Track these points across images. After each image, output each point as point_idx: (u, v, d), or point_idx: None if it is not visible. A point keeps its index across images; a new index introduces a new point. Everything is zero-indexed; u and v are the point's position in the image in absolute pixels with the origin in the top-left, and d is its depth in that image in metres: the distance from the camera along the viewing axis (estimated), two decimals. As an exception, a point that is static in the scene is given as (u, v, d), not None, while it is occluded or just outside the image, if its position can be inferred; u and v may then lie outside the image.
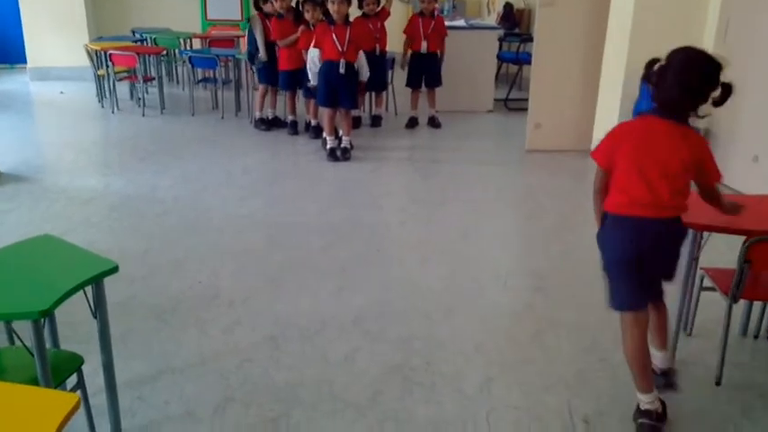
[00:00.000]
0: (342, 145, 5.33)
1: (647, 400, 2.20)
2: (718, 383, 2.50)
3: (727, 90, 2.14)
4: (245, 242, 3.83)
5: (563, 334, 2.88)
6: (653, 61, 2.24)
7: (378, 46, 6.09)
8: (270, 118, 6.33)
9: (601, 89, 5.44)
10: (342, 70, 5.06)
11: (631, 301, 2.23)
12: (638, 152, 2.14)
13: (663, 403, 2.23)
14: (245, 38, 9.12)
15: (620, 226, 2.20)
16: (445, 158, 5.63)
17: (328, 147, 5.34)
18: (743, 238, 2.35)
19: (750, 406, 2.41)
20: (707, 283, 2.66)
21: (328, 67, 5.09)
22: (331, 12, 4.98)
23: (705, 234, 2.48)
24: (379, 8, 6.20)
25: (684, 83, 2.12)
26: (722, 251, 3.01)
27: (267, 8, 5.96)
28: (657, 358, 2.42)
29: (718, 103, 2.14)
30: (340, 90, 5.16)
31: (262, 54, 5.98)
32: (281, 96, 6.30)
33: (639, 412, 2.22)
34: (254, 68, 6.24)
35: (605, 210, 2.24)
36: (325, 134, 5.43)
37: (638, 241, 2.17)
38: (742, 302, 2.73)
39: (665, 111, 2.17)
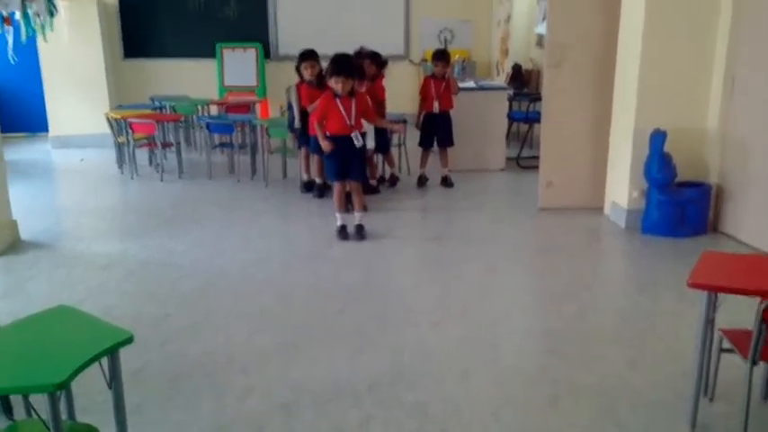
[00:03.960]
0: (356, 222, 5.08)
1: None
2: (741, 449, 2.44)
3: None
4: (260, 306, 3.84)
5: (579, 398, 2.83)
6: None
7: None
8: (310, 181, 6.44)
9: (611, 147, 5.49)
10: (357, 143, 4.93)
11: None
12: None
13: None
14: (263, 104, 9.42)
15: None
16: (458, 218, 5.66)
17: (339, 224, 5.08)
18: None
19: (776, 472, 2.34)
20: (726, 344, 2.63)
21: (338, 143, 4.92)
22: (334, 88, 4.90)
23: (720, 295, 2.45)
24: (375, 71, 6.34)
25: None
26: (741, 310, 2.98)
27: (305, 75, 6.16)
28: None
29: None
30: (350, 162, 5.00)
31: (296, 121, 6.15)
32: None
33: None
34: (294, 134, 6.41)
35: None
36: (336, 212, 5.13)
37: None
38: (764, 364, 2.69)
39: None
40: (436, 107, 6.49)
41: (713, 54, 4.99)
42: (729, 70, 4.90)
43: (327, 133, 4.95)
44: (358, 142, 4.95)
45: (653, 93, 5.00)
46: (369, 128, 5.50)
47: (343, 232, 5.06)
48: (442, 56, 6.49)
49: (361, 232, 5.05)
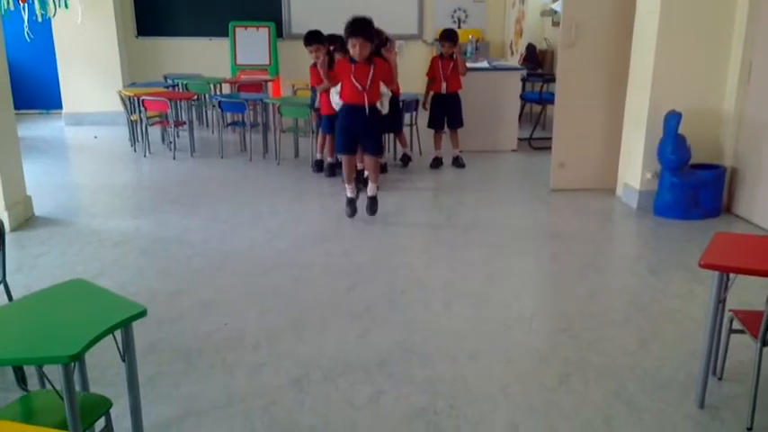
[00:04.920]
0: (369, 194, 4.85)
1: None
2: (749, 429, 2.45)
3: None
4: (271, 283, 3.87)
5: (589, 378, 2.84)
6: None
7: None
8: (322, 161, 6.44)
9: (624, 128, 5.45)
10: (367, 110, 4.59)
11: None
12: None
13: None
14: (276, 83, 9.41)
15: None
16: (470, 198, 5.65)
17: (348, 196, 4.88)
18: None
19: (784, 453, 2.35)
20: (736, 325, 2.63)
21: (349, 111, 4.68)
22: (351, 53, 4.57)
23: (732, 276, 2.45)
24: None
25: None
26: (752, 291, 2.97)
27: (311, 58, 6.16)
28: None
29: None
30: (363, 136, 4.73)
31: (317, 101, 6.17)
32: None
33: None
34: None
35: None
36: (345, 184, 4.96)
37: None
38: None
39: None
40: (444, 88, 6.45)
41: (730, 36, 4.92)
42: (747, 52, 4.84)
43: (340, 101, 4.76)
44: (368, 110, 4.55)
45: (669, 74, 4.95)
46: (383, 89, 5.12)
47: (351, 205, 4.83)
48: (449, 36, 6.43)
49: (373, 206, 4.81)
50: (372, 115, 4.67)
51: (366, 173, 5.16)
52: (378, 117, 4.83)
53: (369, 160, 4.86)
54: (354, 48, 4.45)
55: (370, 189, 4.86)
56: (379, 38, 6.25)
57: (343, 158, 4.89)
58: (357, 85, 4.53)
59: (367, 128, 4.67)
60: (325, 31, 6.17)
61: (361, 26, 4.51)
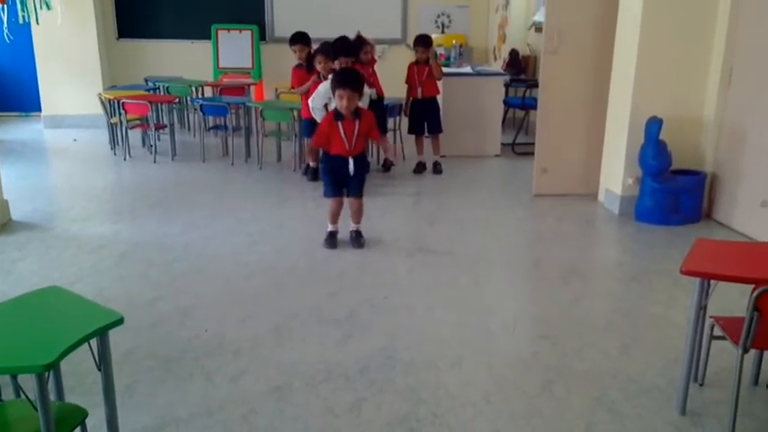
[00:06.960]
0: (352, 229, 4.62)
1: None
2: (731, 435, 2.46)
3: None
4: (252, 289, 3.83)
5: (572, 384, 2.84)
6: None
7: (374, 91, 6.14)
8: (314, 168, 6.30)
9: (606, 134, 5.48)
10: (350, 168, 4.41)
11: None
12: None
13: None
14: (258, 87, 9.36)
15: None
16: (453, 204, 5.64)
17: (328, 230, 4.61)
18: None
19: (765, 459, 2.35)
20: (717, 331, 2.63)
21: (337, 162, 4.45)
22: (338, 106, 4.30)
23: (713, 282, 2.45)
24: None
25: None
26: (732, 298, 2.99)
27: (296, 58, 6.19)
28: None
29: None
30: (349, 180, 4.52)
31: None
32: None
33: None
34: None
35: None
36: (329, 222, 4.63)
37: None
38: (753, 351, 2.70)
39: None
40: (420, 93, 6.46)
41: (711, 43, 4.96)
42: (727, 59, 4.88)
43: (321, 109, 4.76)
44: (352, 169, 4.43)
45: (650, 80, 4.98)
46: (366, 89, 4.99)
47: (332, 238, 4.57)
48: (422, 41, 6.44)
49: (358, 239, 4.57)
50: (358, 164, 4.51)
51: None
52: (363, 164, 4.69)
53: (352, 202, 4.61)
54: (342, 100, 4.23)
55: (353, 226, 4.64)
56: (361, 47, 6.21)
57: (330, 202, 4.63)
58: (346, 142, 4.37)
59: (353, 173, 4.49)
60: (309, 35, 6.19)
61: (350, 77, 4.33)
